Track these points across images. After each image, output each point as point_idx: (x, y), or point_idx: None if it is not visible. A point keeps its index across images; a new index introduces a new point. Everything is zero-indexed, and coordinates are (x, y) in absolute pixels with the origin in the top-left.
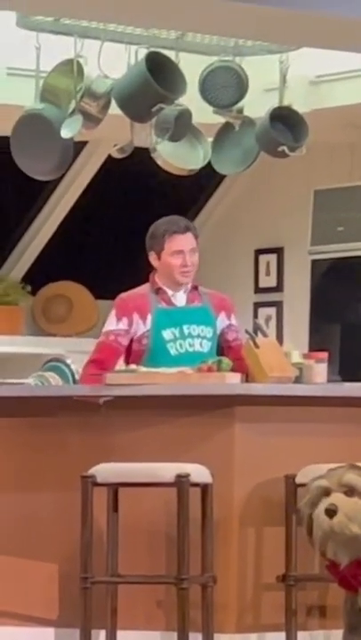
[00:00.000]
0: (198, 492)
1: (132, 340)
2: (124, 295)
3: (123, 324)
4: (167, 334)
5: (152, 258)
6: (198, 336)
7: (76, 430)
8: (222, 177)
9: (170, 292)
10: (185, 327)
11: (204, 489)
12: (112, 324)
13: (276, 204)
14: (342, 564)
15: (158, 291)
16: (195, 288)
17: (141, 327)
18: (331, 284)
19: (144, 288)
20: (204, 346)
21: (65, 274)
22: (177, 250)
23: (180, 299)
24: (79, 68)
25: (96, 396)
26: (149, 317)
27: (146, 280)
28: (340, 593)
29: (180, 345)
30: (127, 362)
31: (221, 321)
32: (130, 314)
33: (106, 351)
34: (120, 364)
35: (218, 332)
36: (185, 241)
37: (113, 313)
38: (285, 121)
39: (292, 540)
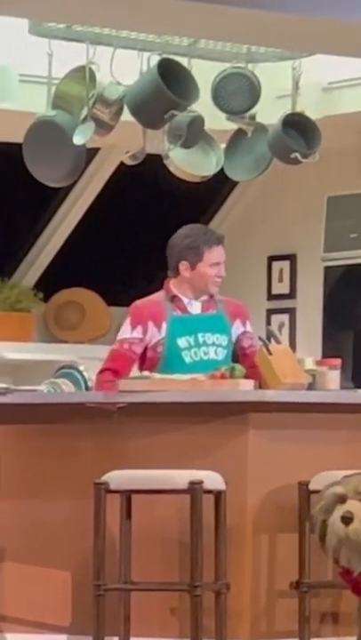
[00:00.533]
0: (212, 499)
1: (146, 348)
2: (138, 303)
3: (137, 333)
4: (182, 342)
5: (183, 268)
6: (213, 344)
7: (88, 437)
8: (235, 183)
9: (186, 300)
10: (200, 335)
11: (218, 496)
12: (126, 331)
13: (289, 211)
14: (356, 571)
15: (173, 298)
16: (210, 296)
17: (156, 335)
18: (344, 291)
19: (159, 295)
20: (219, 354)
21: (77, 280)
22: (216, 262)
23: (195, 307)
24: (91, 75)
25: (109, 402)
26: (164, 325)
27: (158, 287)
28: (354, 600)
29: (195, 353)
30: (142, 369)
31: (237, 328)
32: (144, 322)
33: (120, 359)
34: (135, 372)
35: (233, 339)
36: (221, 253)
37: (127, 321)
38: (298, 127)
39: (305, 546)
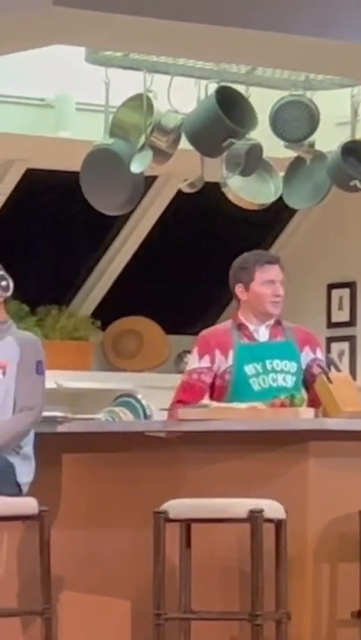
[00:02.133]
0: (272, 528)
1: (215, 377)
2: (205, 332)
3: (205, 362)
4: (250, 369)
5: (239, 290)
6: (282, 371)
7: (148, 466)
8: (294, 211)
9: (252, 327)
10: (268, 362)
11: (278, 524)
12: (194, 362)
13: (349, 238)
14: None
15: (240, 326)
16: (278, 323)
17: (224, 363)
18: None
19: (226, 324)
20: (288, 381)
21: (135, 309)
22: (269, 279)
23: (262, 334)
24: (149, 103)
25: (168, 431)
26: (231, 353)
27: (216, 314)
28: None
29: (264, 380)
30: (211, 398)
31: (306, 355)
32: (211, 351)
33: (190, 391)
34: (205, 400)
35: (303, 366)
36: (275, 271)
37: (195, 351)
38: (357, 155)
39: None
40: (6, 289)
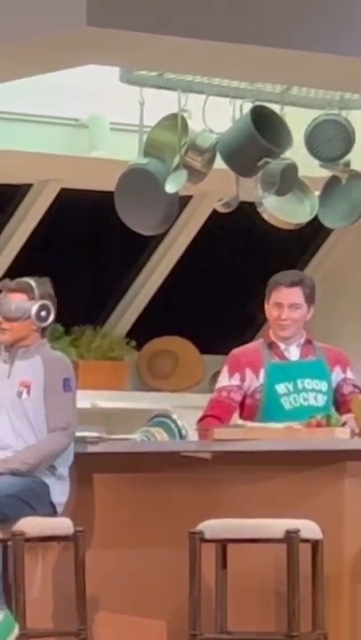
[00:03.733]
0: (308, 548)
1: (245, 396)
2: (235, 351)
3: (235, 380)
4: (281, 388)
5: (265, 309)
6: (313, 390)
7: (183, 486)
8: (329, 231)
9: (283, 346)
10: (299, 381)
11: (315, 545)
12: (224, 379)
13: None
14: None
15: (271, 345)
16: (309, 342)
17: (254, 382)
18: None
19: (258, 343)
20: (319, 400)
21: (170, 329)
22: (277, 302)
23: (293, 352)
24: (183, 123)
25: (203, 451)
26: (262, 372)
27: (251, 335)
28: None
29: (295, 399)
30: (242, 417)
31: (337, 374)
32: (242, 369)
33: (218, 408)
34: (235, 419)
35: (333, 385)
36: (287, 295)
37: (225, 369)
38: None
39: None
40: (44, 319)
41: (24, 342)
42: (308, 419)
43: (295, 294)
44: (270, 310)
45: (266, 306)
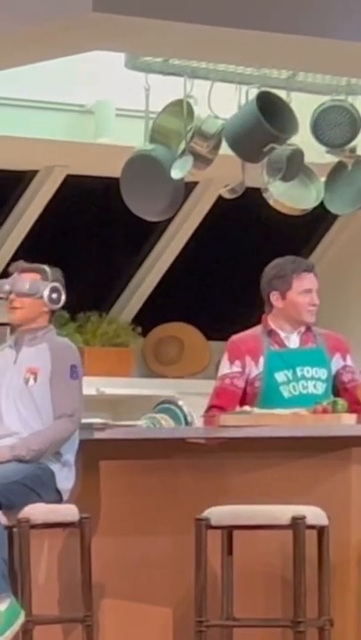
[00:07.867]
0: (314, 535)
1: (245, 383)
2: (235, 338)
3: (236, 367)
4: (280, 376)
5: (274, 298)
6: (312, 378)
7: (189, 472)
8: (335, 217)
9: (283, 334)
10: (298, 369)
11: (321, 531)
12: (225, 367)
13: None
14: None
15: (270, 333)
16: (308, 329)
17: (254, 370)
18: None
19: (256, 330)
20: (319, 388)
21: (176, 315)
22: (307, 288)
23: (293, 340)
24: (189, 109)
25: (209, 437)
26: (262, 360)
27: (257, 320)
28: None
29: (294, 387)
30: (241, 404)
31: (336, 362)
32: (242, 356)
33: (224, 395)
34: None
35: (333, 373)
36: (312, 280)
37: (225, 356)
38: None
39: None
40: (55, 302)
41: (32, 325)
42: (312, 405)
43: (315, 279)
44: (297, 298)
45: (275, 296)
